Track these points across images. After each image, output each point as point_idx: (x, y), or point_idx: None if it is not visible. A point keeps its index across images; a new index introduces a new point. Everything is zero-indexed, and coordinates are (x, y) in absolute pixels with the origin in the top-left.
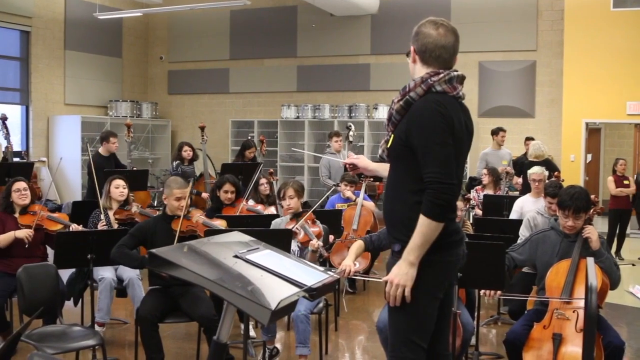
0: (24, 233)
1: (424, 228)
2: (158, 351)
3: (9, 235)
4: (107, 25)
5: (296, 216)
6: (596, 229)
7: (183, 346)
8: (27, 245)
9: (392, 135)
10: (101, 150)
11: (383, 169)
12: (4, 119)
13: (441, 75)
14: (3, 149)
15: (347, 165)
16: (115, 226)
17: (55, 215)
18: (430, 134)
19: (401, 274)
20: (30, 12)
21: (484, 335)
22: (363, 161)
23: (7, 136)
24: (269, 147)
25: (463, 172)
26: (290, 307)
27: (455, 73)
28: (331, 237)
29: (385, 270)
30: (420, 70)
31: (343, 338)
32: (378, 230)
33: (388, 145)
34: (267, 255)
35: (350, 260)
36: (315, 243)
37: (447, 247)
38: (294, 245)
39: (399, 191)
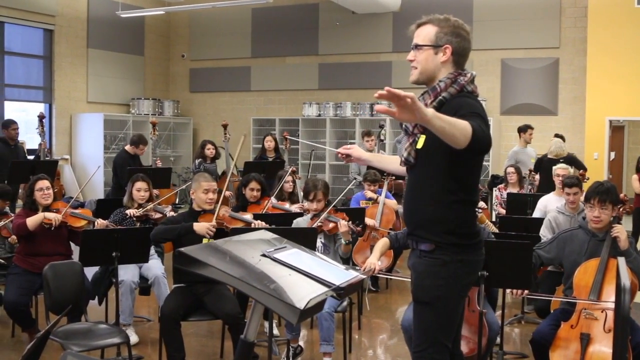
0: (53, 215)
1: (462, 125)
2: (179, 350)
3: (39, 217)
4: (129, 24)
5: (316, 215)
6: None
7: (206, 343)
8: (52, 228)
9: (423, 136)
10: (128, 148)
11: (377, 160)
12: (42, 117)
13: (468, 75)
14: (36, 146)
15: (341, 155)
16: (137, 224)
17: (78, 211)
18: (474, 111)
19: (421, 107)
20: (53, 11)
21: (508, 334)
22: (357, 151)
23: (42, 134)
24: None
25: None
26: (319, 306)
27: (474, 72)
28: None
29: (410, 270)
30: (442, 69)
31: (366, 336)
32: (402, 229)
33: (418, 147)
34: (295, 254)
35: (375, 258)
36: (345, 223)
37: (476, 247)
38: (318, 243)
39: (432, 191)
